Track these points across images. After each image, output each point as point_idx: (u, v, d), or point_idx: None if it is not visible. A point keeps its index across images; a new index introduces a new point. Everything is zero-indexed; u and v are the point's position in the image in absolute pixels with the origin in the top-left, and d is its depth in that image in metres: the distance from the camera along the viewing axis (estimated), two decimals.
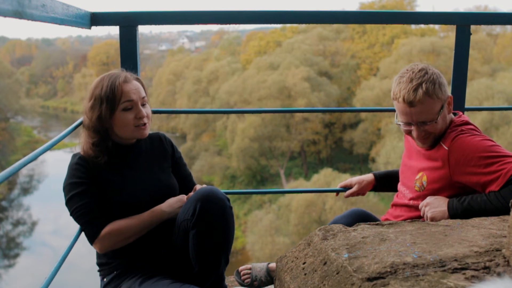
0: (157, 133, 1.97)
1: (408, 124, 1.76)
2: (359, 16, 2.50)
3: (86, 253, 1.84)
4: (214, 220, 1.66)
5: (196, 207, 1.65)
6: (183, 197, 1.81)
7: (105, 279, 1.77)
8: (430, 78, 1.70)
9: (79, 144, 1.80)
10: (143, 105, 1.77)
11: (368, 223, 1.54)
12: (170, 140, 1.98)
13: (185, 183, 1.95)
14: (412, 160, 1.90)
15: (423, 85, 1.68)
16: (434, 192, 1.75)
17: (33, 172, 29.70)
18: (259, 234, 19.26)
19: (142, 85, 1.80)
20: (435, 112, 1.71)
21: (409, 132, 1.79)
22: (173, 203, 1.79)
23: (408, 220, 1.58)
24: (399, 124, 1.80)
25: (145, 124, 1.76)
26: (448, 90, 1.78)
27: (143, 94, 1.78)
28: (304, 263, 1.45)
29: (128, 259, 1.75)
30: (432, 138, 1.77)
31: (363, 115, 25.86)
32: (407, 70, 1.75)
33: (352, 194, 2.19)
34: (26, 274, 19.21)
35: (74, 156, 1.77)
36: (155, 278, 1.70)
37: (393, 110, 1.89)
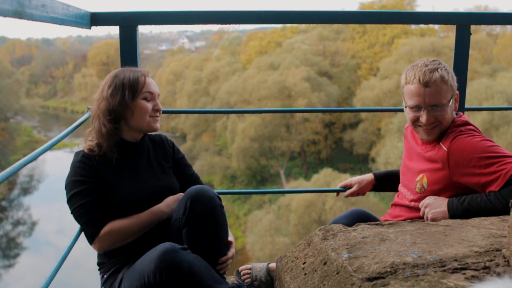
0: (159, 134, 1.99)
1: (417, 108, 1.75)
2: (359, 16, 2.50)
3: (90, 252, 1.84)
4: (204, 217, 1.68)
5: (187, 205, 1.68)
6: (180, 196, 1.82)
7: (105, 276, 1.79)
8: (444, 67, 1.75)
9: (81, 142, 1.81)
10: None
11: (368, 223, 1.54)
12: (172, 141, 2.00)
13: (189, 183, 1.95)
14: (413, 161, 1.90)
15: (439, 70, 1.72)
16: (435, 194, 1.75)
17: (33, 172, 29.70)
18: (259, 234, 19.25)
19: None
20: (447, 99, 1.73)
21: (415, 121, 1.77)
22: (171, 203, 1.80)
23: (408, 220, 1.58)
24: (406, 108, 1.79)
25: (158, 117, 1.84)
26: (456, 87, 1.79)
27: (159, 91, 1.86)
28: (304, 263, 1.45)
29: (127, 258, 1.76)
30: (438, 131, 1.76)
31: (363, 115, 25.85)
32: (420, 60, 1.80)
33: (352, 194, 2.19)
34: (27, 274, 19.21)
35: (77, 153, 1.77)
36: None
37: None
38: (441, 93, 1.71)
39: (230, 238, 1.88)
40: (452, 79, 1.75)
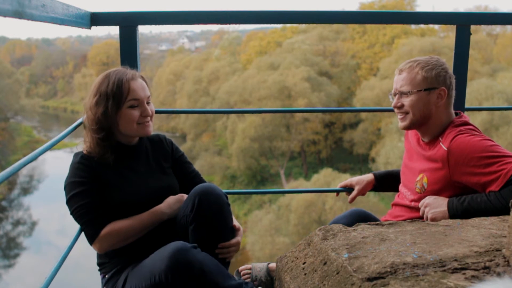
0: (158, 134, 1.98)
1: (395, 95, 1.85)
2: (359, 16, 2.50)
3: (90, 252, 1.84)
4: (211, 214, 1.70)
5: (195, 202, 1.69)
6: (182, 197, 1.82)
7: (106, 276, 1.78)
8: (430, 62, 1.79)
9: (80, 143, 1.81)
10: (147, 103, 1.80)
11: (368, 223, 1.54)
12: (171, 140, 1.99)
13: (189, 180, 1.95)
14: (413, 161, 1.90)
15: (420, 63, 1.79)
16: (435, 193, 1.75)
17: (33, 172, 29.70)
18: (259, 234, 19.26)
19: (146, 83, 1.83)
20: (415, 86, 1.77)
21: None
22: (172, 204, 1.80)
23: (408, 220, 1.58)
24: (390, 96, 1.90)
25: (148, 121, 1.79)
26: (445, 84, 1.78)
27: (148, 93, 1.80)
28: (304, 263, 1.45)
29: (130, 258, 1.76)
30: (409, 121, 1.81)
31: (363, 115, 25.85)
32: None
33: (354, 197, 2.19)
34: (27, 274, 19.20)
35: (76, 154, 1.77)
36: None
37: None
38: (409, 78, 1.78)
39: (236, 223, 1.82)
40: (432, 72, 1.77)
